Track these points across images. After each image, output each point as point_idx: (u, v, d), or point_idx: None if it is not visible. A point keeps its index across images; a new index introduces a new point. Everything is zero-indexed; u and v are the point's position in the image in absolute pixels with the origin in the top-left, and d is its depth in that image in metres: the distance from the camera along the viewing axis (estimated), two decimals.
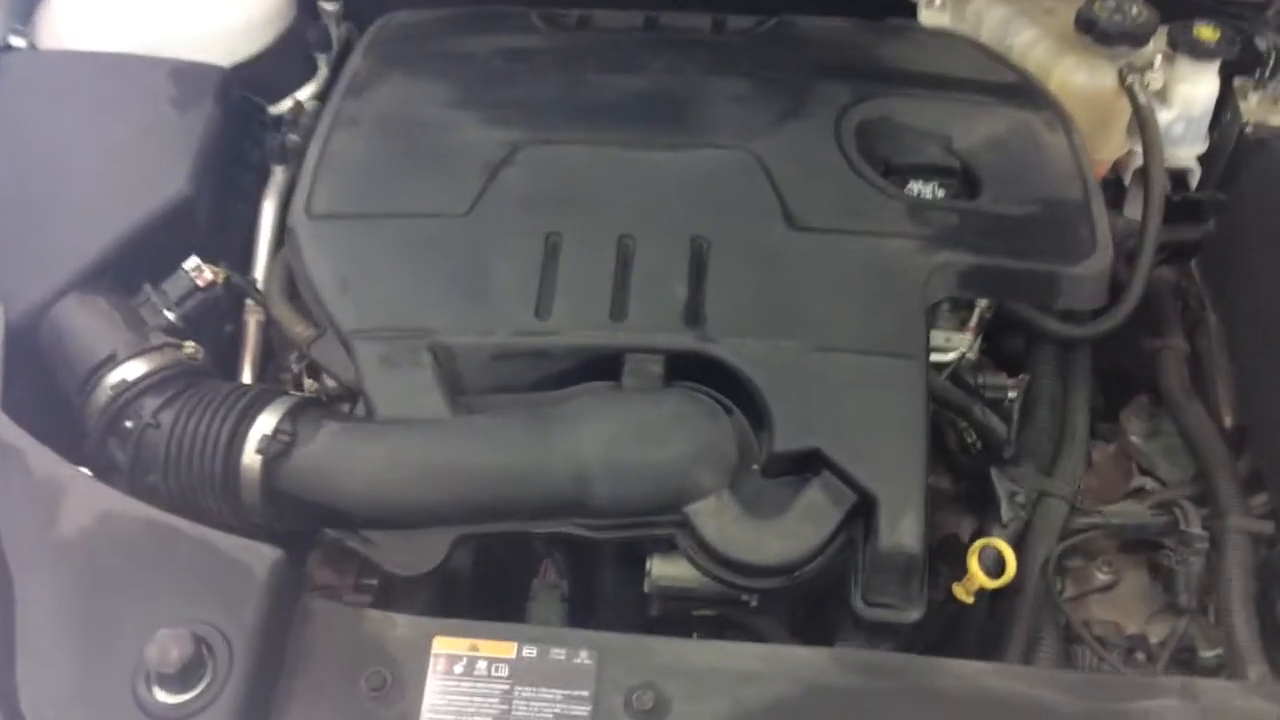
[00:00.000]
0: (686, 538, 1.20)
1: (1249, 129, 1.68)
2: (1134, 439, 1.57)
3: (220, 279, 1.40)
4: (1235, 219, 1.65)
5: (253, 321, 1.50)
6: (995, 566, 1.29)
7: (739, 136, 1.47)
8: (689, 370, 1.29)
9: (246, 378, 1.48)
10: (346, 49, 1.86)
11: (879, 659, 1.13)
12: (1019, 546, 1.35)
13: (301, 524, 1.26)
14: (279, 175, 1.59)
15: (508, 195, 1.41)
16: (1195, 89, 1.66)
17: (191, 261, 1.39)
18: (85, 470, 1.19)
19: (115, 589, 1.06)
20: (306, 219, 1.40)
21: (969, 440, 1.51)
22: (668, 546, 1.24)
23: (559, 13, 1.74)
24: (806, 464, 1.22)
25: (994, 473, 1.40)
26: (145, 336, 1.32)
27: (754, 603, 1.24)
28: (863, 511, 1.20)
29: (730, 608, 1.30)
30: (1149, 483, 1.55)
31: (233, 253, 1.52)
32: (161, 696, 1.00)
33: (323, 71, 1.84)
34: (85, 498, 1.10)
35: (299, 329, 1.37)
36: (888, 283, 1.33)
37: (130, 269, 1.38)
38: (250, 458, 1.21)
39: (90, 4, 1.68)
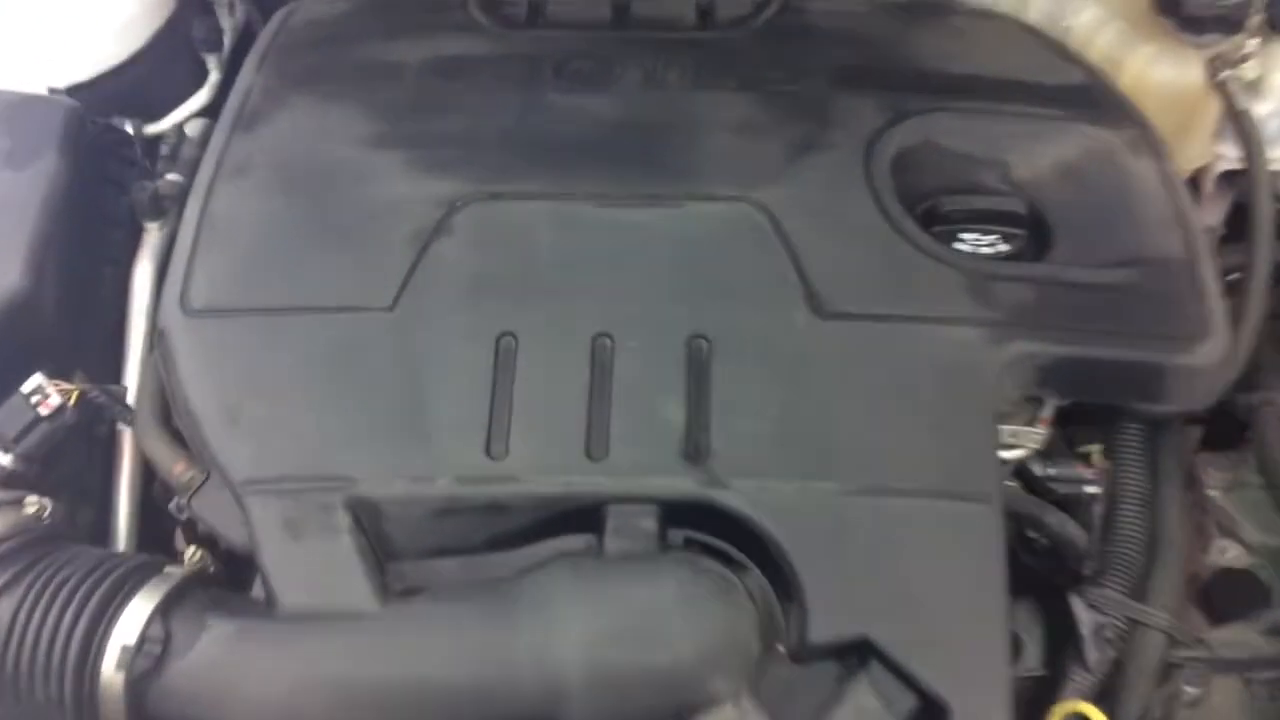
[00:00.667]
0: None
1: None
2: (1212, 492, 1.29)
3: (73, 398, 1.07)
4: None
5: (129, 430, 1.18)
6: None
7: (743, 181, 1.14)
8: (688, 513, 0.98)
9: (124, 505, 1.16)
10: (247, 40, 1.50)
11: None
12: (1107, 692, 1.07)
13: None
14: (154, 234, 1.24)
15: (444, 277, 1.08)
16: None
17: (32, 382, 1.06)
18: None
19: None
20: (182, 316, 1.07)
21: (1033, 536, 1.21)
22: None
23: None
24: (851, 653, 0.93)
25: (1074, 601, 1.11)
26: None
27: None
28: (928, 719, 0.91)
29: None
30: (1231, 549, 1.27)
31: (99, 342, 1.19)
32: None
33: (214, 76, 1.48)
34: None
35: (177, 468, 1.05)
36: (948, 391, 1.02)
37: None
38: (111, 675, 0.90)
39: None
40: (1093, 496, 1.16)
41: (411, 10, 1.36)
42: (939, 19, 1.35)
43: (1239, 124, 1.26)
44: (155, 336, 1.08)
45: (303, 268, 1.09)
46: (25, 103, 1.21)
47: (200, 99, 1.46)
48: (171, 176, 1.28)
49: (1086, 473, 1.18)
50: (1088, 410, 1.17)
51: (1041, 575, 1.14)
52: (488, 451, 0.99)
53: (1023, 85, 1.26)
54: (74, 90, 1.36)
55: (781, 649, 0.97)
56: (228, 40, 1.51)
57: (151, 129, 1.40)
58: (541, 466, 0.98)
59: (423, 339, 1.04)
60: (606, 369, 1.02)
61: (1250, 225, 1.22)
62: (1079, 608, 1.10)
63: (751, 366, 1.03)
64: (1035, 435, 1.15)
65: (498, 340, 1.03)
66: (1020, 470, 1.17)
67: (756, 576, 0.98)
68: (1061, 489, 1.16)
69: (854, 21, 1.33)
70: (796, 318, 1.05)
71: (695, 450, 0.99)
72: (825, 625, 0.93)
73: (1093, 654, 1.08)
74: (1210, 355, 1.06)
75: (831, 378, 1.02)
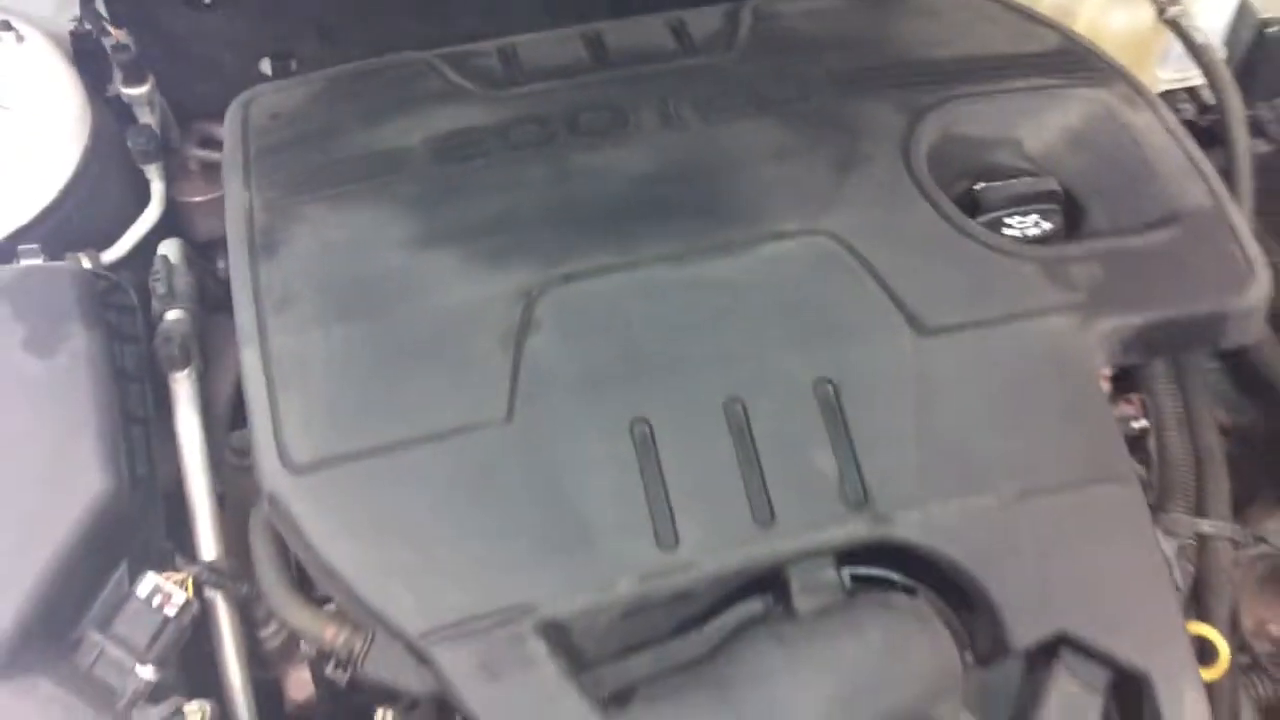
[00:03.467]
0: None
1: (1272, 28, 1.48)
2: None
3: (189, 587, 1.00)
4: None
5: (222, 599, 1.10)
6: (1204, 657, 1.10)
7: (806, 212, 1.14)
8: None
9: (238, 687, 1.09)
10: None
11: None
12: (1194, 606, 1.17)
13: None
14: (185, 385, 1.15)
15: (551, 375, 1.04)
16: None
17: (147, 584, 0.98)
18: None
19: None
20: (289, 476, 1.00)
21: None
22: None
23: (473, 54, 1.32)
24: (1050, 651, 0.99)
25: None
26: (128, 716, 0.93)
27: None
28: (1122, 690, 0.98)
29: None
30: None
31: (156, 511, 1.10)
32: None
33: (159, 185, 1.36)
34: None
35: (329, 633, 1.00)
36: (1060, 381, 1.07)
37: (55, 615, 0.96)
38: None
39: None
40: (1143, 430, 1.25)
41: (381, 86, 1.29)
42: (911, 4, 1.37)
43: (1201, 58, 1.34)
44: (265, 500, 1.00)
45: (398, 397, 1.04)
46: (28, 276, 1.09)
47: (152, 215, 1.35)
48: (173, 315, 1.18)
49: (1130, 409, 1.26)
50: None
51: None
52: (659, 543, 0.98)
53: (1012, 59, 1.30)
54: (20, 234, 1.24)
55: (969, 656, 1.01)
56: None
57: (109, 256, 1.30)
58: (716, 546, 0.98)
59: (553, 445, 1.01)
60: (746, 433, 1.02)
61: (1229, 158, 1.30)
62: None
63: (879, 399, 1.04)
64: None
65: (631, 428, 1.02)
66: None
67: (931, 596, 1.02)
68: None
69: (832, 21, 1.34)
70: (902, 340, 1.07)
71: (855, 494, 1.01)
72: (1025, 630, 0.97)
73: (1179, 575, 1.17)
74: (1257, 294, 1.13)
75: (953, 392, 1.06)
